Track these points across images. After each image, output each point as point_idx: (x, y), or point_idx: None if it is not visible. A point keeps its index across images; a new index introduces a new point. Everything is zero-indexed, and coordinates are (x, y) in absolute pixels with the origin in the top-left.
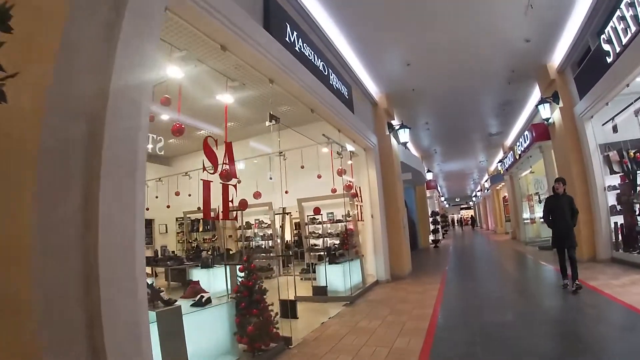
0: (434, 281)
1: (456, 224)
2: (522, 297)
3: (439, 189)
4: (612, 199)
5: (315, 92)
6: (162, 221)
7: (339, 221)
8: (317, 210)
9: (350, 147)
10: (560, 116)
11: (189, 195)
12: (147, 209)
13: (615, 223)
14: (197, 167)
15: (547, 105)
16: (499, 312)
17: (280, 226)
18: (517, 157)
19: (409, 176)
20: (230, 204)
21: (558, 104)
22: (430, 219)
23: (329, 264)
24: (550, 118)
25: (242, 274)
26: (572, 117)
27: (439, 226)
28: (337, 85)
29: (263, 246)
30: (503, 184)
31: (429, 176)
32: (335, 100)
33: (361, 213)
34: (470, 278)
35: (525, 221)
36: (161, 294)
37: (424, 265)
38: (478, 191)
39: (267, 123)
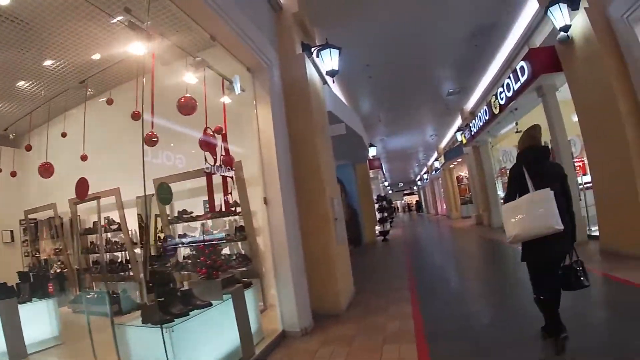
0: (400, 325)
1: (400, 210)
2: None
3: (383, 170)
4: None
5: None
6: (6, 225)
7: (224, 214)
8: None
9: (240, 85)
10: (589, 22)
11: None
12: None
13: None
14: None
15: (564, 7)
16: None
17: (141, 225)
18: (496, 112)
19: (342, 129)
20: None
21: (577, 6)
22: (376, 205)
23: (144, 323)
24: (569, 28)
25: None
26: (607, 23)
27: (387, 214)
28: None
29: (120, 260)
30: (459, 160)
31: (373, 152)
32: None
33: (229, 194)
34: (466, 313)
35: (501, 201)
36: None
37: (374, 276)
38: (424, 174)
39: None
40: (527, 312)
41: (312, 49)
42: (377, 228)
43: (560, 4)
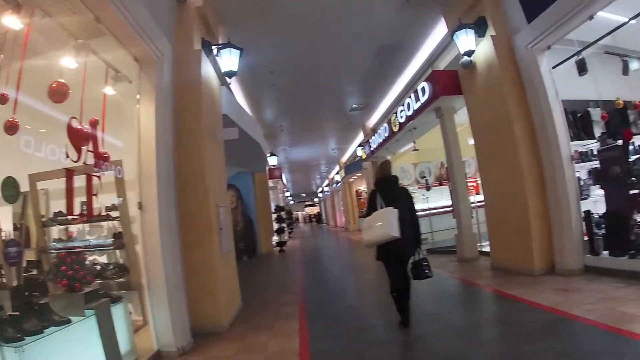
0: (284, 343)
1: (301, 221)
2: None
3: (284, 180)
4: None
5: None
6: None
7: (102, 219)
8: None
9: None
10: (494, 50)
11: None
12: None
13: (587, 212)
14: None
15: (470, 33)
16: None
17: (18, 225)
18: (395, 130)
19: (235, 134)
20: None
21: (484, 34)
22: (274, 216)
23: None
24: (472, 52)
25: None
26: (512, 51)
27: (285, 224)
28: None
29: None
30: (359, 174)
31: (273, 161)
32: None
33: (94, 195)
34: (356, 328)
35: None
36: None
37: (264, 290)
38: (326, 186)
39: None
40: (418, 329)
41: (213, 47)
42: (275, 238)
43: (467, 29)
